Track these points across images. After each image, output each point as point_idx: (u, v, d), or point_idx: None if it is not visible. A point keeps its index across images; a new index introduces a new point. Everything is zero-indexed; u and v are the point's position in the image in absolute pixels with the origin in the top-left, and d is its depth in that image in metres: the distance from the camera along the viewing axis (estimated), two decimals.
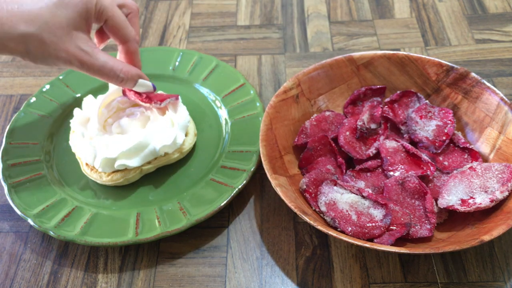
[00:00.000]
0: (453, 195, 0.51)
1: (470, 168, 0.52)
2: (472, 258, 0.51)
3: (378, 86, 0.61)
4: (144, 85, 0.54)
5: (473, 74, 0.57)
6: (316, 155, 0.57)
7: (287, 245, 0.54)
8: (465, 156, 0.55)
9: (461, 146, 0.56)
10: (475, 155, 0.55)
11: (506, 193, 0.49)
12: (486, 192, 0.50)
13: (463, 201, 0.50)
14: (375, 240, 0.49)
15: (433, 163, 0.54)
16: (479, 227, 0.48)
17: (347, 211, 0.50)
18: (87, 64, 0.48)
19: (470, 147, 0.55)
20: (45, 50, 0.46)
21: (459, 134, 0.57)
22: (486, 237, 0.44)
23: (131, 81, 0.52)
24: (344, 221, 0.50)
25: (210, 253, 0.54)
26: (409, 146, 0.55)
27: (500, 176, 0.50)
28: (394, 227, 0.49)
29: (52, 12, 0.46)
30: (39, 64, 0.48)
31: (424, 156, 0.54)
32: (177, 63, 0.70)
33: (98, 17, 0.50)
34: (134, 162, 0.56)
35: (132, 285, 0.52)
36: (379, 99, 0.61)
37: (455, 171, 0.53)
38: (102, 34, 0.54)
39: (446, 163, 0.55)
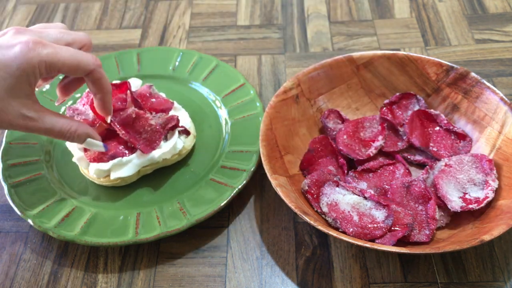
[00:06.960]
0: (452, 195, 0.51)
1: (446, 165, 0.53)
2: (472, 258, 0.51)
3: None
4: (93, 144, 0.52)
5: (473, 74, 0.57)
6: (317, 156, 0.57)
7: (287, 245, 0.54)
8: (453, 137, 0.57)
9: (444, 128, 0.57)
10: (461, 135, 0.56)
11: (497, 181, 0.51)
12: (475, 184, 0.52)
13: (464, 200, 0.50)
14: (376, 241, 0.49)
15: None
16: (479, 227, 0.48)
17: (349, 212, 0.50)
18: (32, 129, 0.48)
19: (454, 129, 0.57)
20: None
21: (441, 115, 0.58)
22: (487, 237, 0.44)
23: (78, 139, 0.51)
24: (345, 222, 0.50)
25: (210, 253, 0.54)
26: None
27: (476, 166, 0.52)
28: (396, 228, 0.49)
29: None
30: None
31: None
32: (177, 63, 0.70)
33: (48, 72, 0.46)
34: (128, 171, 0.55)
35: (132, 285, 0.52)
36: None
37: (436, 172, 0.53)
38: (66, 86, 0.53)
39: (438, 149, 0.57)
